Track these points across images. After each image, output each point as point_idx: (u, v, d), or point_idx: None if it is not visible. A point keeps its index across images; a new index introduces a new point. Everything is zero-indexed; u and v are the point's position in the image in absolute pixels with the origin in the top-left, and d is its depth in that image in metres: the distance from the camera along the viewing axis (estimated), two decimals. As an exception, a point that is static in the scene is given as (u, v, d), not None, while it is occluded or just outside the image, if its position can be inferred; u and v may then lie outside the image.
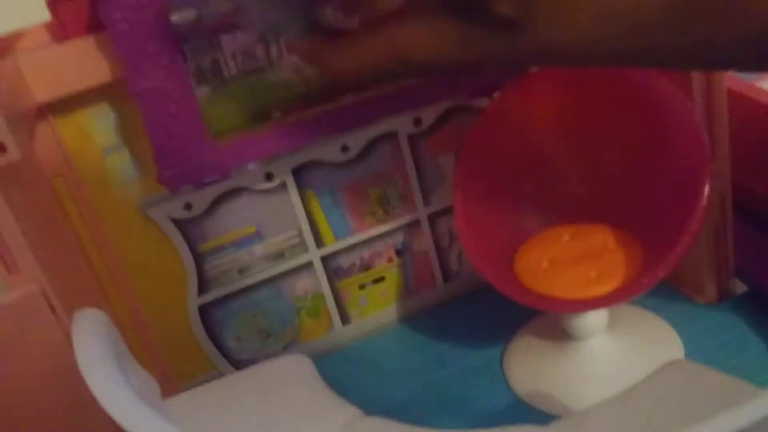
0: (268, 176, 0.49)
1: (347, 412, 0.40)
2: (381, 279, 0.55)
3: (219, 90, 0.45)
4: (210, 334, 0.52)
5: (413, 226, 0.54)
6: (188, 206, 0.49)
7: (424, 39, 0.30)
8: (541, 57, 0.29)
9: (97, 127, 0.46)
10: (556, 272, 0.46)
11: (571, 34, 0.27)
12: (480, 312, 0.55)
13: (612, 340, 0.48)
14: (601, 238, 0.47)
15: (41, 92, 0.42)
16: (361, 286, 0.55)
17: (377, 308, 0.56)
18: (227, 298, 0.52)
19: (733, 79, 0.52)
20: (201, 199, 0.49)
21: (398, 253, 0.55)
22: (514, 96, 0.48)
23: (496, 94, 0.49)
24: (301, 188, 0.51)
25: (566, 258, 0.47)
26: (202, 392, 0.43)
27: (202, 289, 0.51)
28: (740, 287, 0.52)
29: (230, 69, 0.45)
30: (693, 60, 0.28)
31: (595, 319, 0.47)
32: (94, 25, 0.42)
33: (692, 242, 0.42)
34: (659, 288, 0.53)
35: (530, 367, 0.50)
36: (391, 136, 0.51)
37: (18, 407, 0.39)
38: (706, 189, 0.42)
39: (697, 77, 0.45)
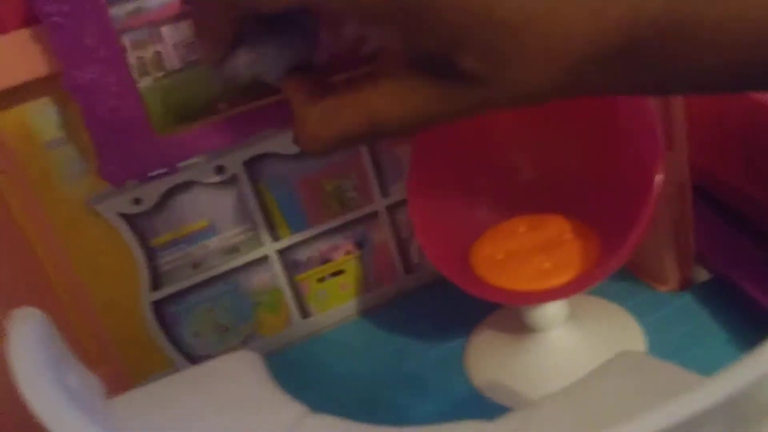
0: (220, 169, 0.48)
1: (294, 409, 0.40)
2: (340, 272, 0.54)
3: (162, 82, 0.44)
4: (165, 331, 0.51)
5: (372, 218, 0.53)
6: (137, 201, 0.47)
7: (395, 100, 0.31)
8: (512, 102, 0.29)
9: (39, 122, 0.44)
10: (512, 264, 0.45)
11: (538, 79, 0.27)
12: (442, 304, 0.54)
13: (573, 332, 0.47)
14: (558, 229, 0.46)
15: (-22, 87, 0.41)
16: (320, 280, 0.54)
17: (337, 302, 0.55)
18: (182, 293, 0.51)
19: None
20: (150, 193, 0.48)
21: (357, 245, 0.54)
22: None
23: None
24: (254, 181, 0.50)
25: (522, 249, 0.46)
26: (148, 391, 0.42)
27: (155, 284, 0.50)
28: (703, 275, 0.51)
29: (173, 61, 0.44)
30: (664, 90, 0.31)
31: (554, 310, 0.46)
32: (32, 18, 0.41)
33: (644, 234, 0.41)
34: (621, 277, 0.53)
35: (491, 360, 0.49)
36: (345, 127, 0.50)
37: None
38: (658, 179, 0.41)
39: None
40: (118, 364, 0.51)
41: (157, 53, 0.43)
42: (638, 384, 0.37)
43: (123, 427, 0.37)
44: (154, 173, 0.45)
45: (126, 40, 0.42)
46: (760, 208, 0.51)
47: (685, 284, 0.50)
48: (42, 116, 0.44)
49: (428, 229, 0.46)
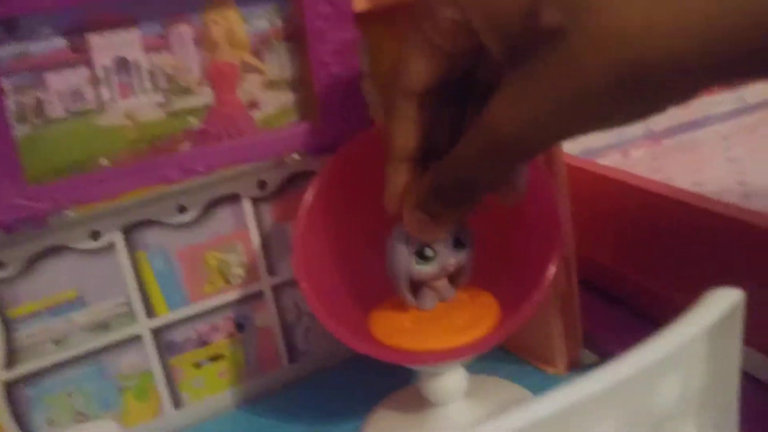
0: (95, 234, 0.46)
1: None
2: (219, 356, 0.51)
3: (41, 131, 0.42)
4: (16, 416, 0.45)
5: (256, 298, 0.51)
6: (1, 265, 0.44)
7: (508, 103, 0.30)
8: (603, 72, 0.27)
9: None
10: (411, 329, 0.44)
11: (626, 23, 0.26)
12: (331, 393, 0.51)
13: (469, 407, 0.45)
14: (458, 297, 0.45)
15: None
16: (197, 365, 0.50)
17: (214, 390, 0.51)
18: (40, 373, 0.46)
19: (570, 156, 0.54)
20: (16, 256, 0.44)
21: (239, 327, 0.51)
22: (354, 153, 0.47)
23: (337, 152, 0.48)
24: (131, 250, 0.47)
25: (423, 317, 0.44)
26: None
27: (10, 361, 0.45)
28: (589, 357, 0.51)
29: (56, 109, 0.42)
30: None
31: (452, 382, 0.44)
32: None
33: (539, 301, 0.41)
34: (515, 361, 0.52)
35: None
36: (233, 198, 0.49)
37: None
38: (556, 256, 0.42)
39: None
40: (-45, 455, 0.44)
41: (39, 100, 0.42)
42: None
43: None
44: (22, 225, 0.41)
45: (7, 83, 0.41)
46: (636, 290, 0.53)
47: (573, 366, 0.50)
48: None
49: (320, 300, 0.44)
